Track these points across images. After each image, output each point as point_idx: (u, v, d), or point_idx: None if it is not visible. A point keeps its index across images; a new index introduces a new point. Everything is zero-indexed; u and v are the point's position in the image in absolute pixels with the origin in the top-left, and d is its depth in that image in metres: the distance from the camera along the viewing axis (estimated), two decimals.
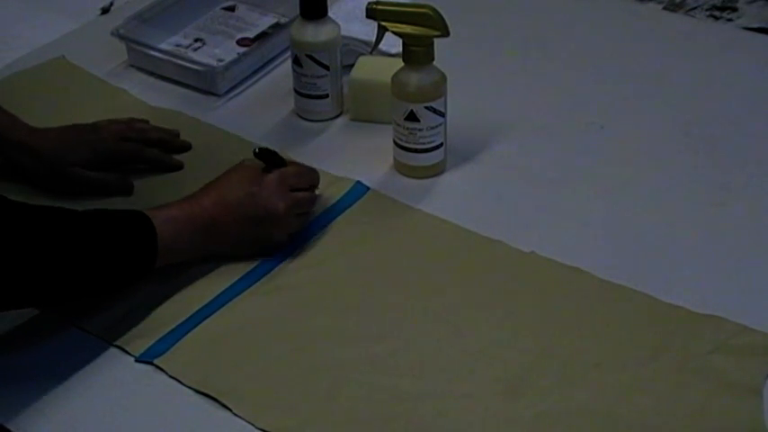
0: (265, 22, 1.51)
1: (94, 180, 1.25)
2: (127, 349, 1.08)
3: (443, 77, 1.24)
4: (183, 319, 1.11)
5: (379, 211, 1.23)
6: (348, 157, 1.31)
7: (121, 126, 1.29)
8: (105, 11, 1.58)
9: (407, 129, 1.25)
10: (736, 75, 1.43)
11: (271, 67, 1.46)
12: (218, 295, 1.13)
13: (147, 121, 1.33)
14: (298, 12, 1.34)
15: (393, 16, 1.22)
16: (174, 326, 1.10)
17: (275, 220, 1.15)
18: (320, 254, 1.18)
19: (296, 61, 1.35)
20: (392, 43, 1.27)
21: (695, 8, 1.55)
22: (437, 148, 1.26)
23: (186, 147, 1.32)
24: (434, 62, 1.23)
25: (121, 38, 1.44)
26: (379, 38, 1.25)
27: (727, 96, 1.39)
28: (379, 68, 1.32)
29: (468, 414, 1.01)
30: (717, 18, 1.54)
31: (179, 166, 1.29)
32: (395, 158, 1.29)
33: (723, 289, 1.12)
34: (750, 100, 1.38)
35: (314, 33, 1.33)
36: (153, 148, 1.29)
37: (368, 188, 1.25)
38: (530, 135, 1.34)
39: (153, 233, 1.08)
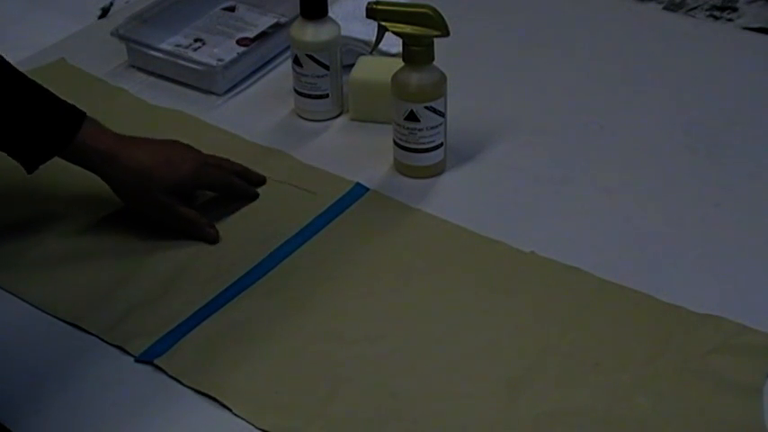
0: (265, 21, 1.51)
1: (182, 215, 1.20)
2: (127, 349, 1.08)
3: (443, 77, 1.24)
4: (183, 319, 1.11)
5: (379, 211, 1.23)
6: (348, 157, 1.31)
7: (200, 153, 1.23)
8: (105, 11, 1.58)
9: (407, 129, 1.25)
10: (736, 75, 1.43)
11: (271, 67, 1.46)
12: (218, 295, 1.13)
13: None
14: (298, 12, 1.34)
15: (393, 16, 1.22)
16: (174, 326, 1.10)
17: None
18: (320, 254, 1.18)
19: (296, 61, 1.35)
20: (392, 43, 1.27)
21: (695, 8, 1.55)
22: (437, 148, 1.27)
23: (262, 180, 1.26)
24: (434, 62, 1.24)
25: (121, 38, 1.44)
26: (379, 38, 1.25)
27: (727, 96, 1.39)
28: (379, 68, 1.32)
29: (468, 414, 1.01)
30: (717, 18, 1.54)
31: (256, 197, 1.25)
32: (395, 158, 1.29)
33: (723, 289, 1.12)
34: (750, 100, 1.38)
35: (314, 33, 1.33)
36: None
37: (367, 189, 1.25)
38: (530, 135, 1.34)
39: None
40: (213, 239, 1.20)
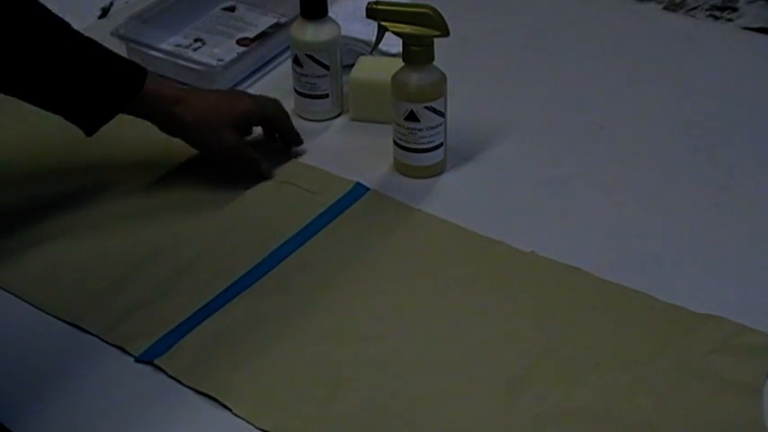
0: (265, 21, 1.51)
1: (246, 150, 1.27)
2: (127, 349, 1.08)
3: (443, 77, 1.24)
4: (183, 319, 1.11)
5: (379, 211, 1.23)
6: (348, 157, 1.31)
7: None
8: (105, 11, 1.58)
9: (407, 129, 1.25)
10: (736, 75, 1.43)
11: (271, 67, 1.46)
12: (218, 295, 1.13)
13: None
14: (298, 12, 1.34)
15: (393, 16, 1.22)
16: (174, 326, 1.10)
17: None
18: (320, 254, 1.18)
19: (296, 61, 1.35)
20: (392, 43, 1.27)
21: (695, 8, 1.55)
22: (437, 148, 1.27)
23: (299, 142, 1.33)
24: (434, 62, 1.24)
25: (121, 38, 1.44)
26: (379, 38, 1.25)
27: (727, 96, 1.39)
28: (379, 68, 1.32)
29: (468, 414, 1.01)
30: (717, 18, 1.54)
31: (299, 142, 1.32)
32: (395, 158, 1.29)
33: (723, 289, 1.12)
34: (750, 100, 1.38)
35: (314, 33, 1.33)
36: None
37: (367, 189, 1.25)
38: (530, 135, 1.34)
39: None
40: (270, 176, 1.27)
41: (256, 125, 1.30)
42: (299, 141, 1.31)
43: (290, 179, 1.27)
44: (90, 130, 1.19)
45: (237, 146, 1.26)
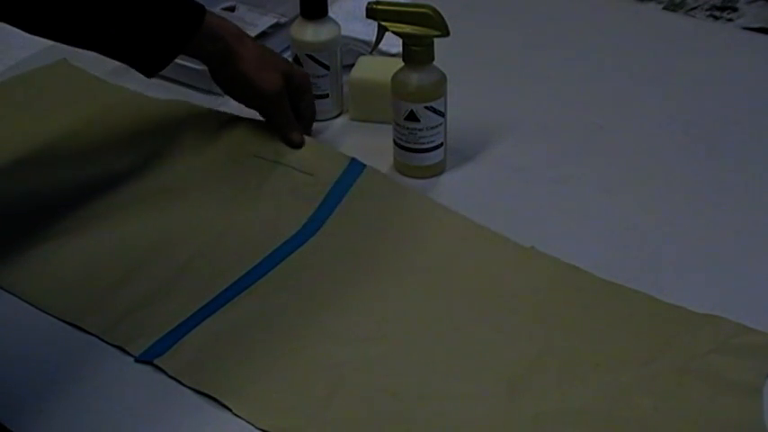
0: (265, 21, 1.51)
1: (286, 105, 1.27)
2: (127, 349, 1.08)
3: (443, 77, 1.24)
4: (183, 319, 1.11)
5: (378, 196, 1.23)
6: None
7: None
8: None
9: (407, 129, 1.25)
10: (736, 75, 1.43)
11: None
12: (218, 295, 1.13)
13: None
14: (298, 12, 1.34)
15: (393, 16, 1.22)
16: (174, 326, 1.10)
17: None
18: (319, 254, 1.18)
19: (296, 61, 1.35)
20: (392, 43, 1.27)
21: (695, 8, 1.55)
22: (437, 148, 1.27)
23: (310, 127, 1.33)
24: (434, 62, 1.24)
25: None
26: (379, 38, 1.25)
27: (727, 96, 1.39)
28: (379, 68, 1.32)
29: (468, 414, 1.01)
30: (717, 18, 1.54)
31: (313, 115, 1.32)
32: (395, 158, 1.29)
33: (723, 289, 1.12)
34: (750, 100, 1.38)
35: (314, 33, 1.33)
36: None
37: (364, 165, 1.25)
38: (530, 135, 1.34)
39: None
40: (298, 144, 1.27)
41: (291, 88, 1.29)
42: (308, 130, 1.31)
43: (281, 159, 1.26)
44: (150, 72, 1.21)
45: (283, 94, 1.26)
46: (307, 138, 1.29)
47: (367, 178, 1.25)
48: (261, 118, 1.31)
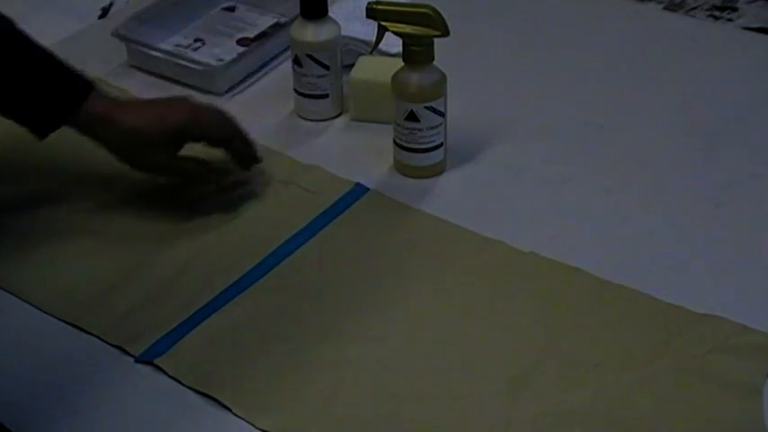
0: (265, 21, 1.51)
1: (181, 168, 1.20)
2: (127, 349, 1.08)
3: (443, 77, 1.24)
4: (183, 319, 1.11)
5: (379, 211, 1.23)
6: (348, 157, 1.31)
7: (197, 104, 1.22)
8: (105, 11, 1.58)
9: (407, 129, 1.25)
10: (736, 75, 1.43)
11: (271, 67, 1.46)
12: (218, 295, 1.13)
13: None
14: (298, 12, 1.34)
15: (393, 16, 1.22)
16: (174, 326, 1.10)
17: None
18: (320, 254, 1.18)
19: (296, 61, 1.35)
20: (392, 43, 1.27)
21: (695, 8, 1.55)
22: (437, 148, 1.27)
23: (257, 159, 1.24)
24: (434, 62, 1.24)
25: (121, 38, 1.44)
26: (379, 38, 1.25)
27: (727, 96, 1.39)
28: (379, 68, 1.32)
29: (468, 414, 1.01)
30: (717, 18, 1.54)
31: (253, 162, 1.24)
32: (395, 158, 1.29)
33: (723, 289, 1.12)
34: (750, 100, 1.38)
35: (314, 33, 1.33)
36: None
37: (367, 189, 1.25)
38: (530, 135, 1.34)
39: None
40: (219, 185, 1.22)
41: (195, 141, 1.20)
42: (254, 160, 1.24)
43: (290, 179, 1.27)
44: (41, 134, 1.16)
45: (168, 165, 1.19)
46: (314, 165, 1.28)
47: (370, 197, 1.25)
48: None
